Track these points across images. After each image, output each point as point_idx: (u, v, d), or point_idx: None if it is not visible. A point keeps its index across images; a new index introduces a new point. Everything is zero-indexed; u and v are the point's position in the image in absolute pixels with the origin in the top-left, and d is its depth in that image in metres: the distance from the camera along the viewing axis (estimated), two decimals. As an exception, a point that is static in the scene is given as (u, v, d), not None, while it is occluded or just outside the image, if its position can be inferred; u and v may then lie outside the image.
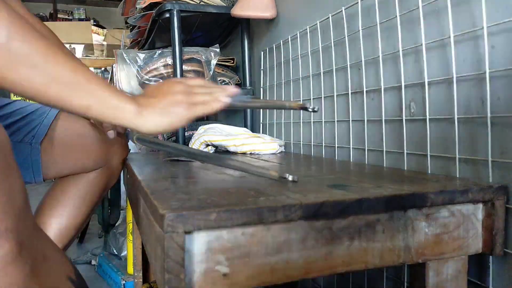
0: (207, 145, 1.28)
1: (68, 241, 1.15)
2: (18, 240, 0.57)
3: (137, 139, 0.90)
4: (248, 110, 1.63)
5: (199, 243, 0.49)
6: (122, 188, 2.08)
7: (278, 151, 1.27)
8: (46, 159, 1.07)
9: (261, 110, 1.61)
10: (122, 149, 1.17)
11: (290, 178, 0.66)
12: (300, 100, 1.30)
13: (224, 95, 0.74)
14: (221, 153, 1.24)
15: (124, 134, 1.19)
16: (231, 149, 1.24)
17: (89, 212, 1.18)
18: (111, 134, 1.06)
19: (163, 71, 1.64)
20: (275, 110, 1.49)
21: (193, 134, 1.45)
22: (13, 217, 0.56)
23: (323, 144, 1.18)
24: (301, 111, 1.28)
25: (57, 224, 1.12)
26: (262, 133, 1.59)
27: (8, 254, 0.55)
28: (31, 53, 0.60)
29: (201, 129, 1.37)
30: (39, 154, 1.05)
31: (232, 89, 0.76)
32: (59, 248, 0.76)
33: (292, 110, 1.35)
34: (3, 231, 0.55)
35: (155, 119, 0.69)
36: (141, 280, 1.38)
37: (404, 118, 0.89)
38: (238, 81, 1.78)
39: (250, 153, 1.23)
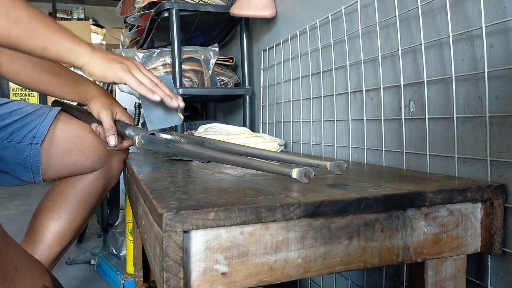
0: None
1: (66, 244, 1.14)
2: None
3: (141, 145, 0.90)
4: (247, 109, 1.63)
5: (198, 242, 0.49)
6: (121, 187, 2.08)
7: (278, 150, 1.27)
8: (45, 160, 1.07)
9: (261, 109, 1.61)
10: (121, 151, 1.15)
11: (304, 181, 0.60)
12: (300, 100, 1.30)
13: (161, 93, 0.87)
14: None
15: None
16: None
17: (88, 214, 1.18)
18: (111, 140, 1.01)
19: (162, 70, 1.64)
20: (275, 110, 1.49)
21: (192, 133, 1.45)
22: None
23: (323, 143, 1.18)
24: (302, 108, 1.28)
25: (56, 227, 1.12)
26: (262, 132, 1.59)
27: None
28: None
29: (201, 128, 1.37)
30: (39, 155, 1.05)
31: (173, 102, 0.89)
32: (33, 258, 0.75)
33: (292, 110, 1.35)
34: None
35: (98, 65, 0.83)
36: (142, 279, 1.38)
37: (403, 117, 0.89)
38: (237, 80, 1.78)
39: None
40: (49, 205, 1.13)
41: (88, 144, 1.10)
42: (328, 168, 0.68)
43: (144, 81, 0.86)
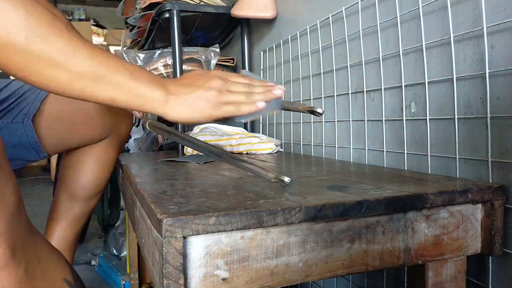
0: None
1: (97, 193, 1.24)
2: (11, 244, 0.57)
3: (149, 125, 0.90)
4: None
5: (198, 247, 0.48)
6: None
7: (275, 151, 1.26)
8: (42, 134, 1.07)
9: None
10: (127, 117, 1.21)
11: (286, 180, 0.65)
12: (300, 101, 1.30)
13: (262, 98, 0.71)
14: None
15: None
16: (227, 149, 1.24)
17: (109, 176, 1.25)
18: (136, 113, 1.12)
19: (163, 71, 1.64)
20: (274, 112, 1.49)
21: (188, 134, 1.45)
22: (5, 221, 0.56)
23: (323, 144, 1.18)
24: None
25: (85, 180, 1.20)
26: (262, 133, 1.59)
27: (1, 258, 0.55)
28: (52, 54, 0.59)
29: (196, 129, 1.37)
30: (33, 130, 1.05)
31: (276, 91, 0.73)
32: (55, 250, 0.76)
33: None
34: None
35: (180, 109, 0.68)
36: (137, 281, 1.38)
37: (404, 118, 0.88)
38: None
39: (247, 153, 1.23)
40: (72, 174, 1.21)
41: (93, 114, 1.12)
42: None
43: (239, 98, 0.71)
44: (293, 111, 0.82)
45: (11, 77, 0.74)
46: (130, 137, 1.58)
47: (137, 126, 1.33)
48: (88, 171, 1.20)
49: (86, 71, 0.62)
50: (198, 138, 1.26)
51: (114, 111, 1.15)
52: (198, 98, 0.69)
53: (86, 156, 1.19)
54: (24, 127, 1.04)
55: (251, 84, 0.74)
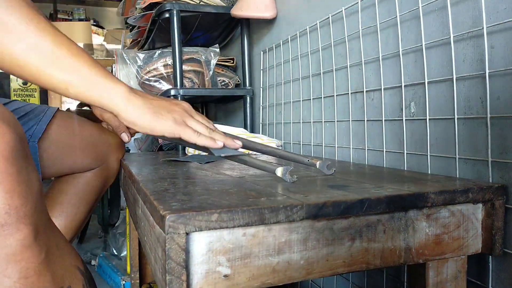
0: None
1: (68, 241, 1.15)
2: (35, 226, 0.59)
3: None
4: (248, 110, 1.63)
5: (200, 244, 0.49)
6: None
7: None
8: (44, 158, 1.07)
9: (261, 110, 1.61)
10: (119, 147, 1.18)
11: (289, 179, 0.67)
12: (300, 100, 1.31)
13: (220, 139, 0.71)
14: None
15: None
16: None
17: (88, 211, 1.19)
18: (125, 137, 1.03)
19: (163, 71, 1.64)
20: (275, 110, 1.49)
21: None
22: (31, 204, 0.58)
23: (323, 144, 1.18)
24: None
25: (57, 224, 1.13)
26: (262, 133, 1.60)
27: (26, 238, 0.57)
28: (13, 20, 0.59)
29: None
30: (37, 153, 1.05)
31: (234, 143, 0.73)
32: (68, 241, 0.77)
33: (292, 111, 1.35)
34: (22, 216, 0.56)
35: (142, 111, 0.65)
36: (138, 280, 1.38)
37: (404, 118, 0.89)
38: (238, 81, 1.78)
39: (248, 154, 1.23)
40: (50, 204, 1.14)
41: (86, 142, 1.11)
42: (318, 166, 0.69)
43: (200, 129, 0.71)
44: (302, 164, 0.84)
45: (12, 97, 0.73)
46: (128, 150, 1.56)
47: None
48: (64, 210, 1.14)
49: (45, 45, 0.60)
50: None
51: (107, 141, 1.14)
52: (162, 107, 0.68)
53: (70, 185, 1.16)
54: (29, 148, 1.04)
55: (212, 125, 0.75)
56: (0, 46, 0.59)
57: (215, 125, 1.35)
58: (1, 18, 0.58)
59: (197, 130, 0.70)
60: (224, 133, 0.78)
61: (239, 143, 0.72)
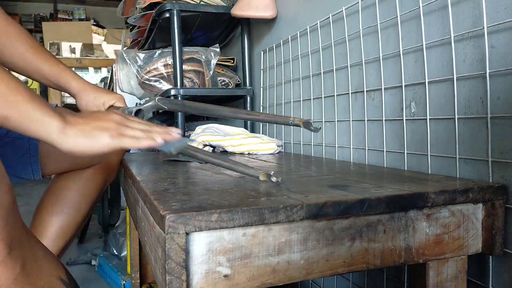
0: (205, 145, 1.28)
1: (69, 238, 1.15)
2: (7, 241, 0.57)
3: (158, 100, 0.92)
4: (248, 110, 1.63)
5: (200, 244, 0.49)
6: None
7: (276, 151, 1.27)
8: (44, 155, 1.07)
9: (261, 110, 1.61)
10: None
11: (274, 179, 0.67)
12: (300, 101, 1.30)
13: (161, 136, 0.72)
14: (219, 154, 1.24)
15: None
16: (229, 149, 1.24)
17: (89, 208, 1.19)
18: None
19: (163, 71, 1.64)
20: (275, 110, 1.49)
21: (190, 134, 1.45)
22: (1, 219, 0.57)
23: (324, 144, 1.18)
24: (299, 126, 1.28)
25: (59, 221, 1.13)
26: (262, 133, 1.59)
27: None
28: None
29: (199, 129, 1.37)
30: (37, 150, 1.05)
31: (173, 133, 0.74)
32: (49, 250, 0.76)
33: (292, 111, 1.35)
34: None
35: (76, 140, 0.68)
36: (139, 280, 1.38)
37: (404, 118, 0.89)
38: (238, 81, 1.78)
39: (248, 153, 1.23)
40: (51, 200, 1.14)
41: None
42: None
43: (137, 134, 0.73)
44: (286, 125, 0.85)
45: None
46: (128, 150, 1.57)
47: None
48: (66, 207, 1.15)
49: None
50: (200, 137, 1.27)
51: None
52: (95, 128, 0.70)
53: (71, 182, 1.16)
54: (29, 144, 1.04)
55: (149, 126, 0.76)
56: None
57: (215, 125, 1.36)
58: None
59: (134, 136, 0.72)
60: (163, 126, 0.79)
61: (176, 131, 0.74)
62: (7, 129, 0.67)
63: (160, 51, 1.67)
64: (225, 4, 1.59)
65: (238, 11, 1.47)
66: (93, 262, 1.92)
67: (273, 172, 0.67)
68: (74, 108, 1.19)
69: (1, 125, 0.65)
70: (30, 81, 3.67)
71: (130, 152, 2.16)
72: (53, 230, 1.12)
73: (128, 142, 0.71)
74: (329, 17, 1.11)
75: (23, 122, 0.65)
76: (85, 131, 0.69)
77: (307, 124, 0.76)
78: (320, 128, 0.74)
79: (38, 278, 0.65)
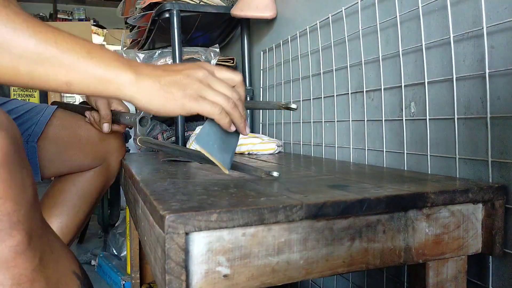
0: None
1: (69, 240, 1.15)
2: (28, 232, 0.58)
3: (140, 141, 0.92)
4: (248, 110, 1.63)
5: (200, 244, 0.49)
6: (122, 188, 2.08)
7: (276, 151, 1.27)
8: (43, 158, 1.07)
9: (261, 110, 1.60)
10: (119, 148, 1.18)
11: (275, 174, 0.68)
12: (300, 101, 1.30)
13: (241, 118, 0.64)
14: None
15: (122, 133, 1.19)
16: None
17: (89, 210, 1.19)
18: (106, 127, 1.07)
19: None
20: (274, 110, 1.49)
21: (191, 134, 1.45)
22: (25, 209, 0.57)
23: (323, 144, 1.18)
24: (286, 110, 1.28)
25: (58, 223, 1.13)
26: (262, 133, 1.59)
27: (19, 244, 0.56)
28: None
29: (199, 129, 1.37)
30: (36, 153, 1.05)
31: (244, 129, 0.65)
32: (65, 244, 0.77)
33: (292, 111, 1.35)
34: (15, 222, 0.55)
35: (150, 93, 0.59)
36: (139, 280, 1.38)
37: (404, 118, 0.89)
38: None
39: (248, 153, 1.23)
40: (51, 203, 1.14)
41: (86, 141, 1.11)
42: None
43: (221, 101, 0.62)
44: (271, 109, 0.85)
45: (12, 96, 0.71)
46: (128, 150, 1.57)
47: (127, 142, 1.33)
48: (65, 210, 1.14)
49: (31, 51, 0.54)
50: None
51: (108, 141, 1.14)
52: (173, 83, 0.60)
53: (70, 184, 1.16)
54: (27, 147, 1.04)
55: (234, 89, 0.66)
56: None
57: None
58: None
59: (216, 103, 0.61)
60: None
61: (248, 131, 0.67)
62: (75, 93, 0.58)
63: (160, 51, 1.67)
64: (225, 4, 1.59)
65: (238, 11, 1.47)
66: (93, 262, 1.92)
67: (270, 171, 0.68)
68: (72, 107, 1.19)
69: (69, 93, 0.58)
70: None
71: (130, 152, 2.16)
72: None
73: (208, 107, 0.61)
74: (328, 17, 1.11)
75: (88, 83, 0.57)
76: (160, 83, 0.60)
77: (287, 107, 0.74)
78: (297, 107, 0.71)
79: (53, 271, 0.65)
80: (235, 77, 0.66)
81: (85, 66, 0.57)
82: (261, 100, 1.60)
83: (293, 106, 0.71)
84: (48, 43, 0.55)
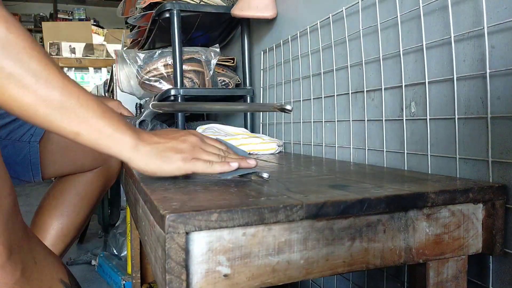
0: None
1: (69, 241, 1.16)
2: (7, 245, 0.57)
3: (153, 105, 0.94)
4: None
5: (200, 243, 0.49)
6: (122, 188, 2.08)
7: (277, 151, 1.27)
8: (45, 158, 1.07)
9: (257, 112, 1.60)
10: None
11: (265, 175, 0.68)
12: (300, 101, 1.31)
13: (237, 162, 0.69)
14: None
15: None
16: None
17: (89, 211, 1.19)
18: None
19: (163, 71, 1.64)
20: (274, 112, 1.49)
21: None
22: (2, 222, 0.56)
23: (324, 144, 1.18)
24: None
25: (59, 223, 1.13)
26: (262, 133, 1.59)
27: None
28: (23, 74, 0.58)
29: (200, 129, 1.37)
30: (38, 153, 1.05)
31: (248, 163, 0.70)
32: (51, 252, 0.76)
33: (293, 111, 1.35)
34: None
35: (147, 159, 0.66)
36: (139, 280, 1.38)
37: (404, 118, 0.89)
38: (238, 81, 1.78)
39: (249, 153, 1.23)
40: (51, 203, 1.15)
41: None
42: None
43: (212, 158, 0.69)
44: (266, 112, 0.85)
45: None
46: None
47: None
48: (66, 210, 1.14)
49: (54, 98, 0.60)
50: None
51: None
52: (169, 149, 0.67)
53: (71, 185, 1.16)
54: (30, 147, 1.05)
55: (225, 151, 0.73)
56: (8, 98, 0.58)
57: (216, 125, 1.36)
58: (10, 70, 0.56)
59: (209, 161, 0.68)
60: (237, 151, 0.77)
61: (253, 163, 0.71)
62: (79, 143, 0.65)
63: (160, 51, 1.67)
64: (225, 4, 1.59)
65: (238, 11, 1.47)
66: (93, 262, 1.92)
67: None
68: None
69: (73, 141, 0.64)
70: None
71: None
72: (53, 233, 1.12)
73: (201, 166, 0.67)
74: (329, 17, 1.11)
75: (94, 138, 0.63)
76: (158, 149, 0.66)
77: (282, 109, 0.74)
78: (292, 109, 0.73)
79: (38, 282, 0.65)
80: (221, 145, 0.76)
81: (96, 122, 0.63)
82: (261, 101, 1.60)
83: (288, 107, 0.71)
84: (71, 95, 0.61)
